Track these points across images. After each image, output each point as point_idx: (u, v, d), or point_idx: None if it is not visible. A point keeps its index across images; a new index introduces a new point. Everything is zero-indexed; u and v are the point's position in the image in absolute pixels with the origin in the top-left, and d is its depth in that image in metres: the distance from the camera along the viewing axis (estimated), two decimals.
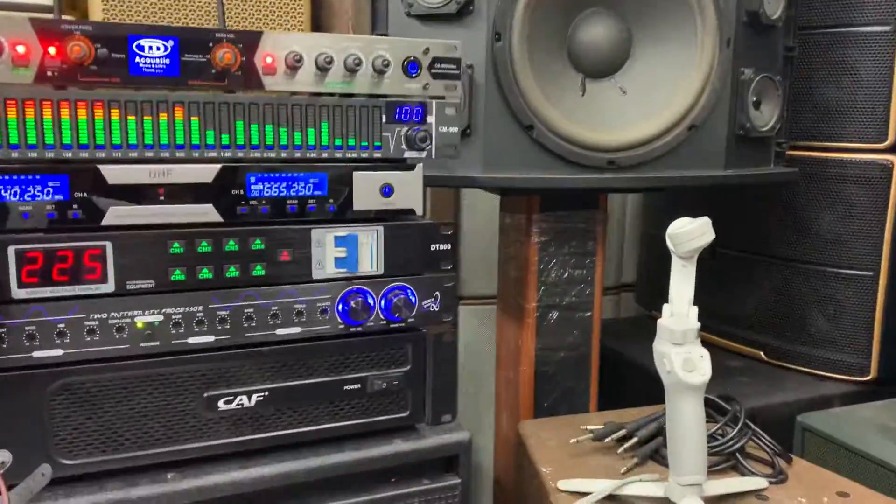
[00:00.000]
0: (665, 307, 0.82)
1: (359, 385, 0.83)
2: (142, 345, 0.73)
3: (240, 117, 0.76)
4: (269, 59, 0.75)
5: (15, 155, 0.68)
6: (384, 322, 0.83)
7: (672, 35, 1.07)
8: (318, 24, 1.39)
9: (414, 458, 0.84)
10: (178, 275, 0.74)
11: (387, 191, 0.83)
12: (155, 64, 0.72)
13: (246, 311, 0.77)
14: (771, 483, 0.91)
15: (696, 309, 0.81)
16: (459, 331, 1.55)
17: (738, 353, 1.42)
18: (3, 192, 0.68)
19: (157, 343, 0.74)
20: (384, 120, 0.82)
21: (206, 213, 0.75)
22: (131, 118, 0.71)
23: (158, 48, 0.71)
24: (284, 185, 0.78)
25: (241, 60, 0.74)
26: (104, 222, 0.72)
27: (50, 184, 0.70)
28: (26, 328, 0.69)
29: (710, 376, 0.79)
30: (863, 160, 1.25)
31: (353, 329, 0.82)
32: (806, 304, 1.32)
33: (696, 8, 1.05)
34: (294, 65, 0.76)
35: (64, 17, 0.84)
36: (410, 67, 0.81)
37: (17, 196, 0.69)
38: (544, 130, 1.02)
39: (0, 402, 0.69)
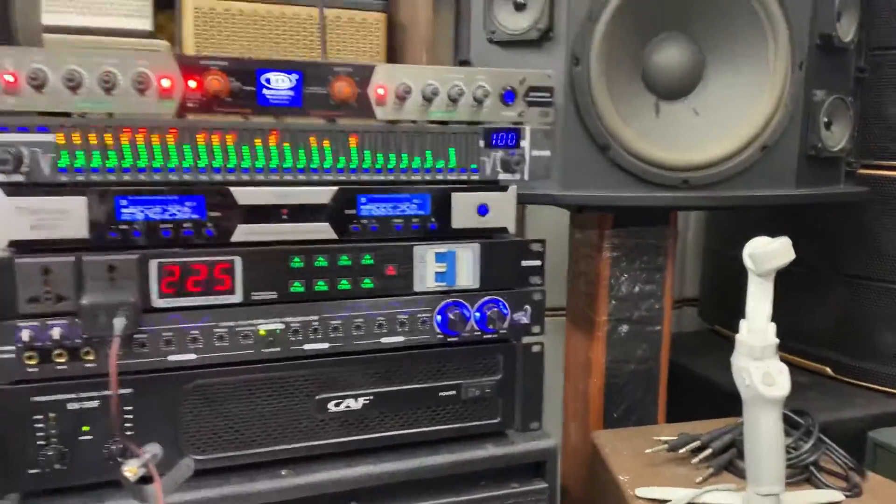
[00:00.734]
0: (742, 323, 0.85)
1: (454, 392, 0.88)
2: (264, 350, 0.80)
3: (353, 143, 0.82)
4: (380, 91, 0.82)
5: (157, 178, 0.76)
6: (478, 333, 0.88)
7: (745, 58, 1.09)
8: (394, 49, 1.39)
9: (504, 463, 0.88)
10: (297, 287, 0.81)
11: (483, 210, 0.88)
12: (280, 95, 0.79)
13: (356, 320, 0.83)
14: (846, 496, 0.92)
15: (773, 325, 0.83)
16: None
17: (803, 369, 1.43)
18: (148, 212, 0.76)
19: (278, 349, 0.80)
20: (482, 145, 0.88)
21: (323, 231, 0.82)
22: (258, 144, 0.78)
23: (284, 81, 0.78)
24: (391, 205, 0.84)
25: (357, 93, 0.81)
26: (233, 239, 0.79)
27: (187, 204, 0.77)
28: (164, 334, 0.76)
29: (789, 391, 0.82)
30: None
31: (450, 339, 0.87)
32: (874, 321, 1.33)
33: (769, 32, 1.07)
34: (403, 95, 0.82)
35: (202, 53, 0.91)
36: (507, 96, 0.87)
37: (160, 215, 0.76)
38: (620, 150, 1.06)
39: (140, 401, 0.76)
